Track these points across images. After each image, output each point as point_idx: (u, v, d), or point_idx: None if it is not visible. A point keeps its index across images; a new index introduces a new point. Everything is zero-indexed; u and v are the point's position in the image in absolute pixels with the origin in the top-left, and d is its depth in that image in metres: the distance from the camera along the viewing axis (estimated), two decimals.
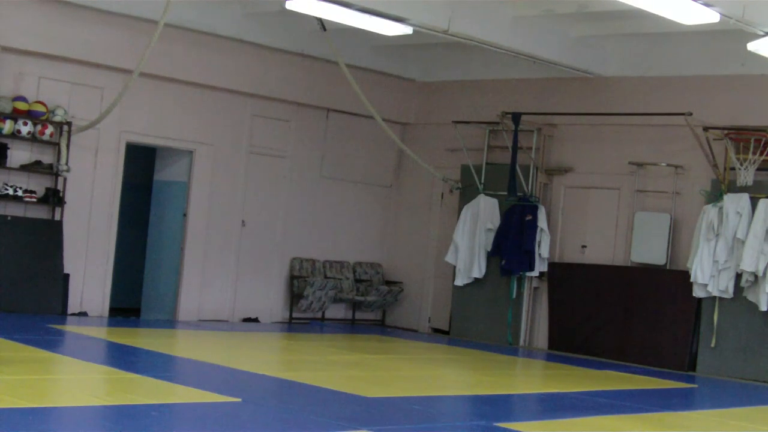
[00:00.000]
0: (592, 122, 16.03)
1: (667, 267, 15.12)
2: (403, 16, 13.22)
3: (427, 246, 17.78)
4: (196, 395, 9.06)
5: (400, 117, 17.94)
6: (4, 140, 13.83)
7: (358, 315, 17.81)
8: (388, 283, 17.98)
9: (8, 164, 13.90)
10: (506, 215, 16.29)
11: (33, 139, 13.99)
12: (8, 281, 13.82)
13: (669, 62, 15.32)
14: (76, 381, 9.56)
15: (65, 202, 14.28)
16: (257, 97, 16.32)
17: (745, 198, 14.20)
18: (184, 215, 15.83)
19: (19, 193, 13.87)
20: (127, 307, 16.05)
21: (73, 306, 14.56)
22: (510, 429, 8.62)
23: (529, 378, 13.93)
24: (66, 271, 14.33)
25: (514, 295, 16.23)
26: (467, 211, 16.67)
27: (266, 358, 13.25)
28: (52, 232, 14.18)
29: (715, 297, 14.45)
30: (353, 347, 14.84)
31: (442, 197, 17.67)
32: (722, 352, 14.44)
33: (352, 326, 17.47)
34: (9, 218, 13.87)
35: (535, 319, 16.39)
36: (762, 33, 12.19)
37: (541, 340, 16.28)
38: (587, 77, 15.96)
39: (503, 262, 16.16)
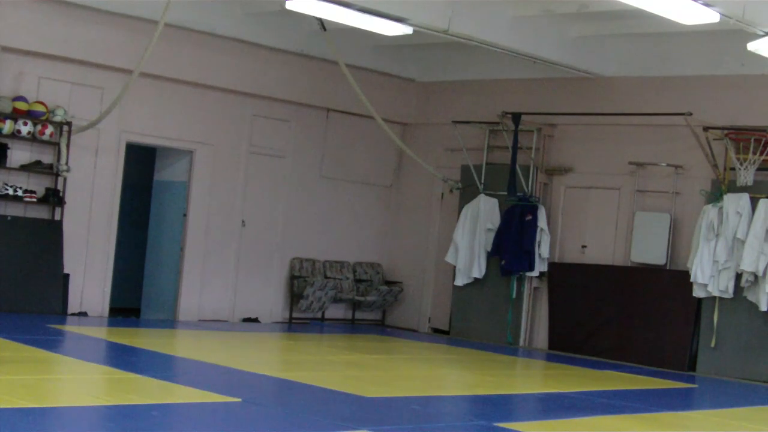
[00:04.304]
0: (592, 122, 16.03)
1: (667, 267, 15.12)
2: (403, 16, 13.21)
3: (427, 246, 17.78)
4: (196, 395, 9.06)
5: (400, 117, 17.94)
6: (4, 140, 13.83)
7: (358, 315, 17.81)
8: (388, 283, 17.98)
9: (8, 164, 13.90)
10: (506, 215, 16.29)
11: (33, 139, 13.99)
12: (8, 281, 13.82)
13: (669, 62, 15.32)
14: (76, 381, 9.56)
15: (65, 202, 14.28)
16: (257, 97, 16.32)
17: (745, 198, 14.20)
18: (184, 215, 15.83)
19: (19, 193, 13.87)
20: (127, 307, 16.05)
21: (73, 306, 14.56)
22: (510, 429, 8.62)
23: (529, 378, 13.93)
24: (66, 271, 14.33)
25: (514, 295, 16.23)
26: (467, 211, 16.67)
27: (266, 358, 13.26)
28: (52, 232, 14.18)
29: (715, 297, 14.45)
30: (353, 347, 14.84)
31: (442, 197, 17.66)
32: (722, 352, 14.44)
33: (352, 326, 17.47)
34: (9, 218, 13.87)
35: (535, 319, 16.39)
36: (762, 33, 12.18)
37: (541, 340, 16.28)
38: (587, 77, 15.96)
39: (503, 262, 16.17)
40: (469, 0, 13.69)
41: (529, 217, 16.05)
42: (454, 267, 16.73)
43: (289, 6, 12.97)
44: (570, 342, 15.82)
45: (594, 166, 16.10)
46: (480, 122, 16.80)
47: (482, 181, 16.73)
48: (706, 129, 14.37)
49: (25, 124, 13.87)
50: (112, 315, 15.03)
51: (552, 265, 16.20)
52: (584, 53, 15.58)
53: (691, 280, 14.45)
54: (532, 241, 15.98)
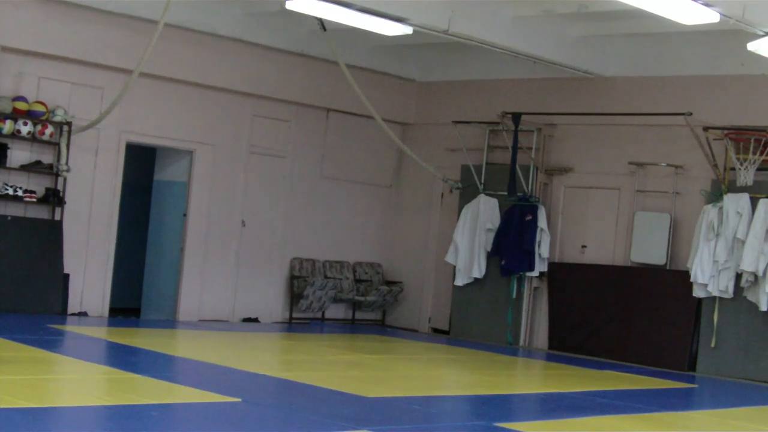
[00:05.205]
0: (592, 122, 16.03)
1: (667, 267, 15.12)
2: (403, 16, 13.22)
3: (427, 246, 17.78)
4: (196, 395, 9.06)
5: (400, 117, 17.94)
6: (4, 140, 13.83)
7: (358, 315, 17.81)
8: (388, 283, 17.98)
9: (8, 164, 13.90)
10: (506, 215, 16.29)
11: (33, 139, 13.99)
12: (8, 281, 13.82)
13: (669, 62, 15.32)
14: (76, 381, 9.56)
15: (65, 202, 14.28)
16: (257, 97, 16.32)
17: (745, 198, 14.20)
18: (184, 215, 15.83)
19: (19, 193, 13.87)
20: (127, 307, 16.04)
21: (73, 306, 14.56)
22: (510, 429, 8.62)
23: (529, 378, 13.93)
24: (66, 271, 14.33)
25: (514, 295, 16.23)
26: (467, 211, 16.67)
27: (266, 358, 13.26)
28: (52, 232, 14.18)
29: (715, 297, 14.45)
30: (353, 347, 14.84)
31: (442, 197, 17.66)
32: (722, 352, 14.44)
33: (352, 326, 17.47)
34: (9, 218, 13.87)
35: (535, 319, 16.39)
36: (762, 33, 12.19)
37: (541, 340, 16.28)
38: (587, 77, 15.96)
39: (503, 262, 16.16)
40: (469, 0, 13.69)
41: (529, 217, 16.05)
42: (454, 267, 16.73)
43: (289, 6, 12.97)
44: (570, 342, 15.82)
45: (594, 166, 16.10)
46: (480, 122, 16.80)
47: (482, 181, 16.73)
48: (706, 129, 14.37)
49: (25, 124, 13.87)
50: (112, 315, 15.03)
51: (552, 265, 16.20)
52: (584, 53, 15.58)
53: (691, 280, 14.45)
54: (532, 241, 15.98)
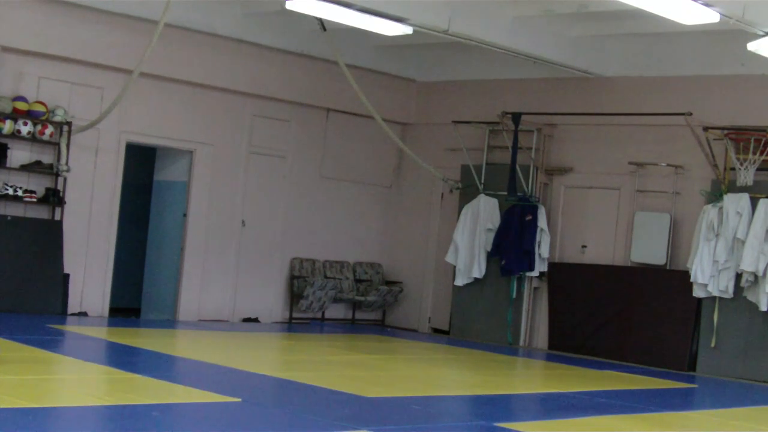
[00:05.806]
0: (592, 122, 16.03)
1: (667, 267, 15.12)
2: (403, 16, 13.22)
3: (427, 246, 17.78)
4: (196, 395, 9.06)
5: (400, 117, 17.94)
6: (4, 140, 13.83)
7: (358, 315, 17.81)
8: (388, 283, 17.97)
9: (8, 164, 13.90)
10: (506, 215, 16.29)
11: (33, 139, 13.99)
12: (8, 281, 13.82)
13: (669, 62, 15.32)
14: (76, 381, 9.56)
15: (65, 202, 14.28)
16: (257, 97, 16.32)
17: (745, 198, 14.20)
18: (184, 215, 15.83)
19: (19, 193, 13.87)
20: (127, 307, 16.05)
21: (73, 306, 14.56)
22: (510, 429, 8.62)
23: (529, 378, 13.93)
24: (66, 271, 14.33)
25: (514, 295, 16.22)
26: (467, 211, 16.67)
27: (266, 358, 13.26)
28: (52, 232, 14.18)
29: (715, 297, 14.45)
30: (353, 347, 14.84)
31: (442, 197, 17.66)
32: (722, 352, 14.44)
33: (352, 326, 17.47)
34: (9, 218, 13.87)
35: (535, 319, 16.39)
36: (762, 33, 12.19)
37: (541, 340, 16.28)
38: (587, 77, 15.96)
39: (503, 262, 16.17)
40: (469, 0, 13.69)
41: (529, 217, 16.05)
42: (454, 267, 16.73)
43: (289, 6, 12.97)
44: (570, 342, 15.81)
45: (594, 166, 16.10)
46: (480, 122, 16.80)
47: (482, 181, 16.73)
48: (706, 129, 14.37)
49: (25, 124, 13.87)
50: (112, 315, 15.03)
51: (552, 265, 16.20)
52: (584, 53, 15.58)
53: (691, 280, 14.45)
54: (532, 241, 15.98)
